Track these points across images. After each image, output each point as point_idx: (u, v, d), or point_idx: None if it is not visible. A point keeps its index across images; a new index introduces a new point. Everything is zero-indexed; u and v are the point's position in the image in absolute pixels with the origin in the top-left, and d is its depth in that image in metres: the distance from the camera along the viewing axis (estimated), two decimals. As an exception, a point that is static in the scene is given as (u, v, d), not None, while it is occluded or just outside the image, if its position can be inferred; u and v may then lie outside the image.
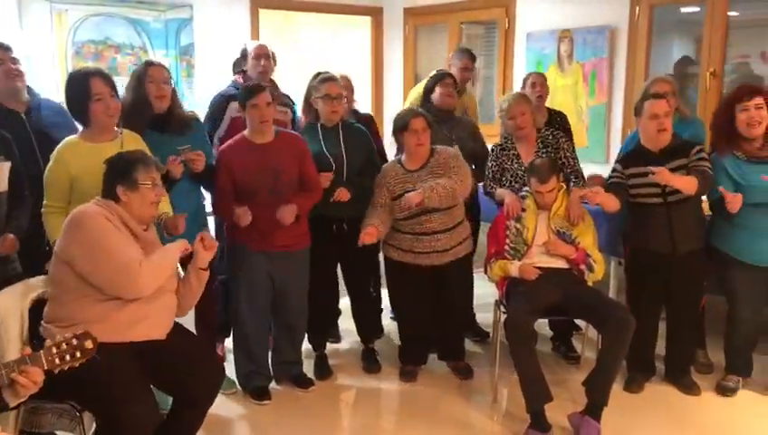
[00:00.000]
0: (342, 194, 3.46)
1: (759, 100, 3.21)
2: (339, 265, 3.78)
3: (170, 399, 2.63)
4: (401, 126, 3.47)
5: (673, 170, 3.28)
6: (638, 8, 4.93)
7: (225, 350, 3.83)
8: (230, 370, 3.49)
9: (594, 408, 3.06)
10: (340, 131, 3.60)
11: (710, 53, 4.65)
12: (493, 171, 3.80)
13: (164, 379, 2.53)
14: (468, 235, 3.67)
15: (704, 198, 3.42)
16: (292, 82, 4.49)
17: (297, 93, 3.94)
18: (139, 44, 5.33)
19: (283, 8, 6.24)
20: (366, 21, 6.61)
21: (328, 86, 3.53)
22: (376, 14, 6.56)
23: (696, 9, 4.81)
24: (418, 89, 4.53)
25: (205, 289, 2.73)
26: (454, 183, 3.40)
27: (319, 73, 3.64)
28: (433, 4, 6.26)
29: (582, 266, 3.37)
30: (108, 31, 5.22)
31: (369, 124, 4.05)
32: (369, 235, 3.36)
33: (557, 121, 4.22)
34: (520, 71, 5.73)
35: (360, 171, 3.59)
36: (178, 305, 2.66)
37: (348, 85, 4.03)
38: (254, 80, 3.74)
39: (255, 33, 5.80)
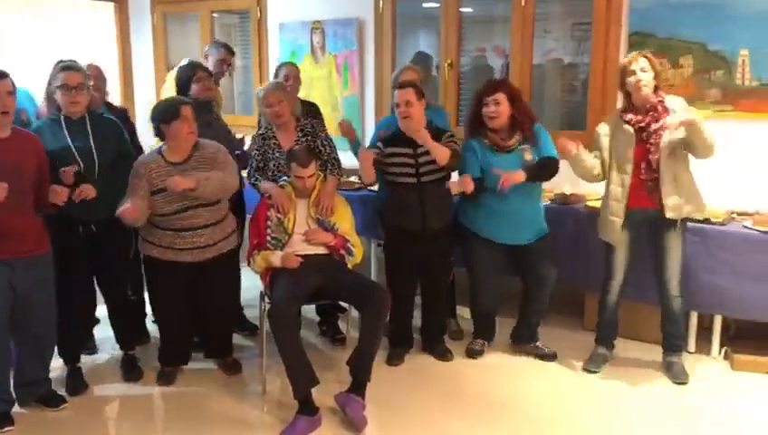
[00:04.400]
0: (88, 191, 3.17)
1: (498, 96, 3.52)
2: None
3: None
4: (173, 114, 3.29)
5: (426, 154, 3.53)
6: (381, 2, 5.18)
7: None
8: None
9: (358, 385, 3.20)
10: (88, 124, 3.33)
11: (447, 45, 5.03)
12: (256, 160, 3.77)
13: None
14: (234, 229, 3.61)
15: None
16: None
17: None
18: None
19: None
20: (109, 7, 6.17)
21: (65, 75, 3.25)
22: (120, 0, 6.14)
23: (436, 5, 5.17)
24: (172, 75, 4.39)
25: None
26: (226, 176, 3.35)
27: (60, 61, 3.36)
28: (181, -8, 6.04)
29: (342, 252, 3.48)
30: None
31: (123, 118, 3.86)
32: (129, 211, 3.16)
33: (310, 113, 4.31)
34: (275, 61, 5.74)
35: (112, 166, 3.35)
36: None
37: (98, 75, 3.83)
38: None
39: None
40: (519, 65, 4.72)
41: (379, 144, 3.69)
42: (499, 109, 3.53)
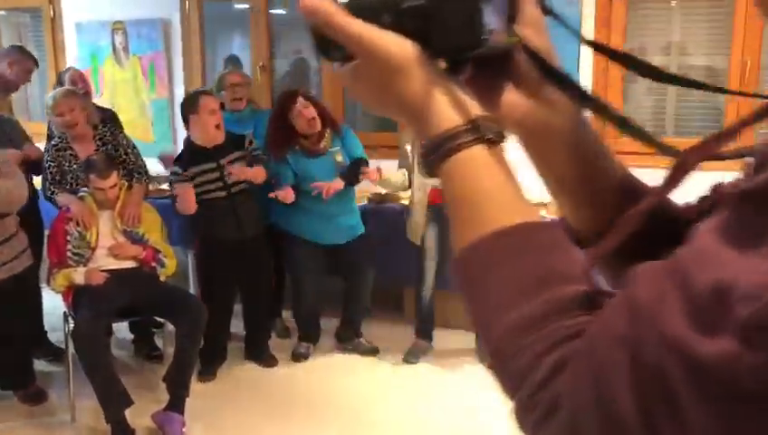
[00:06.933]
0: None
1: (300, 99, 3.55)
2: None
3: None
4: None
5: (233, 162, 3.48)
6: (188, 2, 4.99)
7: None
8: None
9: (176, 401, 3.07)
10: None
11: (258, 48, 4.97)
12: (51, 173, 3.49)
13: None
14: (26, 247, 3.30)
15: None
16: None
17: None
18: None
19: None
20: None
21: None
22: None
23: (246, 6, 5.07)
24: None
25: None
26: (11, 184, 3.04)
27: None
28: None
29: (153, 264, 3.32)
30: None
31: None
32: None
33: (108, 118, 4.08)
34: (74, 63, 5.35)
35: None
36: None
37: None
38: None
39: None
40: (331, 67, 4.75)
41: (177, 169, 3.51)
42: (311, 110, 3.55)
